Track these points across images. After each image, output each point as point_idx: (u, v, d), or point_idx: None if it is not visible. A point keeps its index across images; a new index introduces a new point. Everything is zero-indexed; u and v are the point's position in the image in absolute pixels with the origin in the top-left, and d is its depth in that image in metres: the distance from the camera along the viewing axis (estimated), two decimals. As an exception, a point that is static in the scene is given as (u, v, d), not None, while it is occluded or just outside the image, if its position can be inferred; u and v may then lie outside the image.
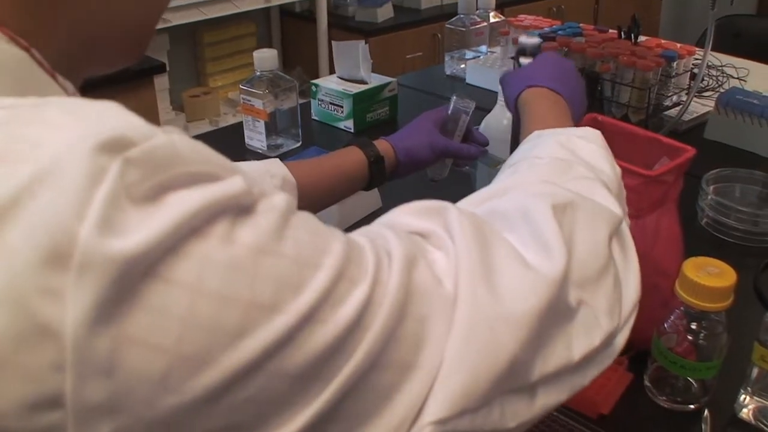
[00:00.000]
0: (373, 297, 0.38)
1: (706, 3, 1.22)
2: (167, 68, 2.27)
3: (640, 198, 0.73)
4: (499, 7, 3.09)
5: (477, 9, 1.79)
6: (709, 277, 0.69)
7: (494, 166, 1.04)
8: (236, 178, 0.36)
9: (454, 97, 1.02)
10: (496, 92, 1.03)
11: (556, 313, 0.45)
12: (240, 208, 0.35)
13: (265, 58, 1.36)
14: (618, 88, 1.41)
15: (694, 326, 0.72)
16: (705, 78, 1.67)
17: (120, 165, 0.32)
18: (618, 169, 0.61)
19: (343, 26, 3.09)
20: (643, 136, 0.79)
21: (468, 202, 0.55)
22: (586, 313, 0.47)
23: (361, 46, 1.46)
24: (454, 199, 0.51)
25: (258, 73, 1.37)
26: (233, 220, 0.34)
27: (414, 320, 0.39)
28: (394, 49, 3.01)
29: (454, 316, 0.40)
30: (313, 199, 0.87)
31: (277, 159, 0.86)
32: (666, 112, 1.46)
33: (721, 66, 1.73)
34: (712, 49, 1.77)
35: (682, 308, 0.72)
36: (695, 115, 1.46)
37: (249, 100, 1.38)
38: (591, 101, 1.35)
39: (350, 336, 0.36)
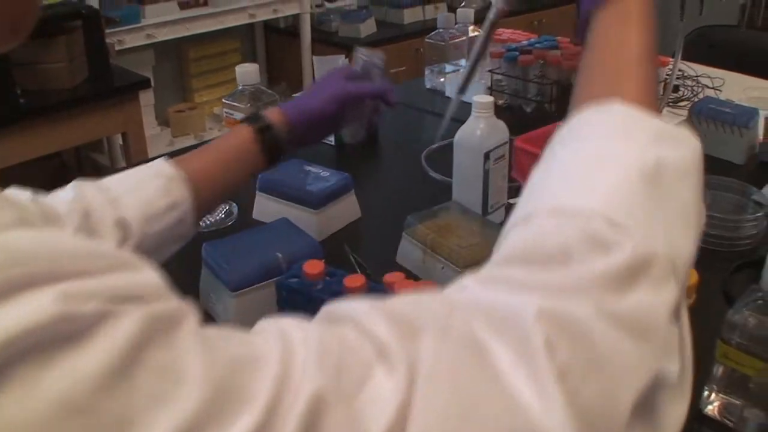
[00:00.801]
0: None
1: (687, 14, 1.25)
2: (152, 84, 2.29)
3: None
4: (480, 22, 3.10)
5: (456, 24, 1.82)
6: (672, 278, 0.72)
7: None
8: (50, 296, 0.26)
9: (359, 50, 0.94)
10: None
11: None
12: (56, 340, 0.26)
13: (247, 72, 1.38)
14: (593, 98, 1.44)
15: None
16: (681, 88, 1.70)
17: None
18: (701, 220, 0.45)
19: (327, 41, 3.12)
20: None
21: (490, 277, 0.41)
22: None
23: (341, 61, 1.49)
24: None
25: (240, 87, 1.39)
26: (38, 363, 0.26)
27: None
28: (377, 64, 3.04)
29: None
30: (209, 189, 0.83)
31: (164, 158, 0.82)
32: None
33: (696, 76, 1.76)
34: (689, 60, 1.82)
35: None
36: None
37: (231, 114, 1.39)
38: (566, 111, 1.39)
39: None
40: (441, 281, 0.94)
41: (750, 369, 0.69)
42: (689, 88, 1.73)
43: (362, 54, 0.93)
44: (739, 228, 1.09)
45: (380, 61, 0.94)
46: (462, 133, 1.07)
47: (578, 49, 1.60)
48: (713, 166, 1.33)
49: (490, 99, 1.05)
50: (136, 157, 2.26)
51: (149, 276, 0.31)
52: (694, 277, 0.72)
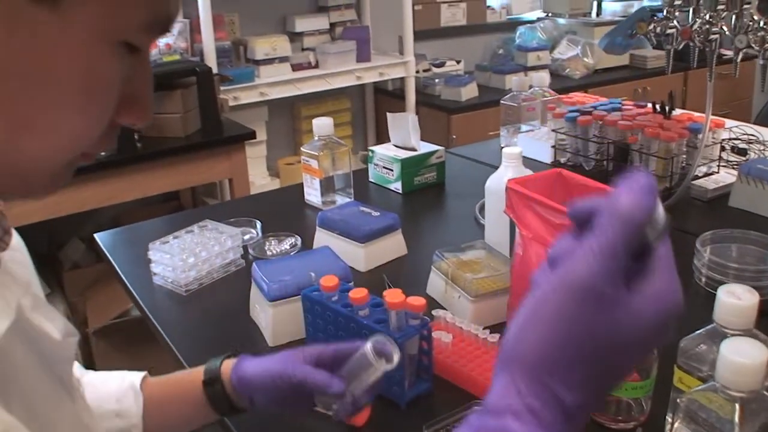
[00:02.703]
0: None
1: None
2: (257, 136, 2.54)
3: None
4: (583, 88, 3.20)
5: (531, 88, 1.94)
6: (632, 305, 0.80)
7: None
8: None
9: (376, 339, 0.74)
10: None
11: None
12: None
13: (322, 125, 1.56)
14: (646, 157, 1.52)
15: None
16: (748, 152, 1.75)
17: None
18: None
19: (430, 104, 3.31)
20: (593, 187, 0.91)
21: None
22: None
23: (411, 118, 1.64)
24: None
25: (316, 138, 1.57)
26: None
27: None
28: (477, 126, 3.18)
29: None
30: (160, 415, 0.83)
31: (146, 373, 0.85)
32: (695, 182, 1.55)
33: (765, 141, 1.80)
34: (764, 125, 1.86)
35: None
36: (722, 184, 1.54)
37: (307, 161, 1.57)
38: (623, 170, 1.48)
39: None
40: (458, 310, 1.06)
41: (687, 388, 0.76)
42: (758, 152, 1.76)
43: (375, 343, 0.74)
44: (761, 278, 1.14)
45: (392, 362, 0.73)
46: (491, 181, 1.19)
47: (639, 111, 1.68)
48: (756, 223, 1.38)
49: (518, 150, 1.17)
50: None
51: None
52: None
